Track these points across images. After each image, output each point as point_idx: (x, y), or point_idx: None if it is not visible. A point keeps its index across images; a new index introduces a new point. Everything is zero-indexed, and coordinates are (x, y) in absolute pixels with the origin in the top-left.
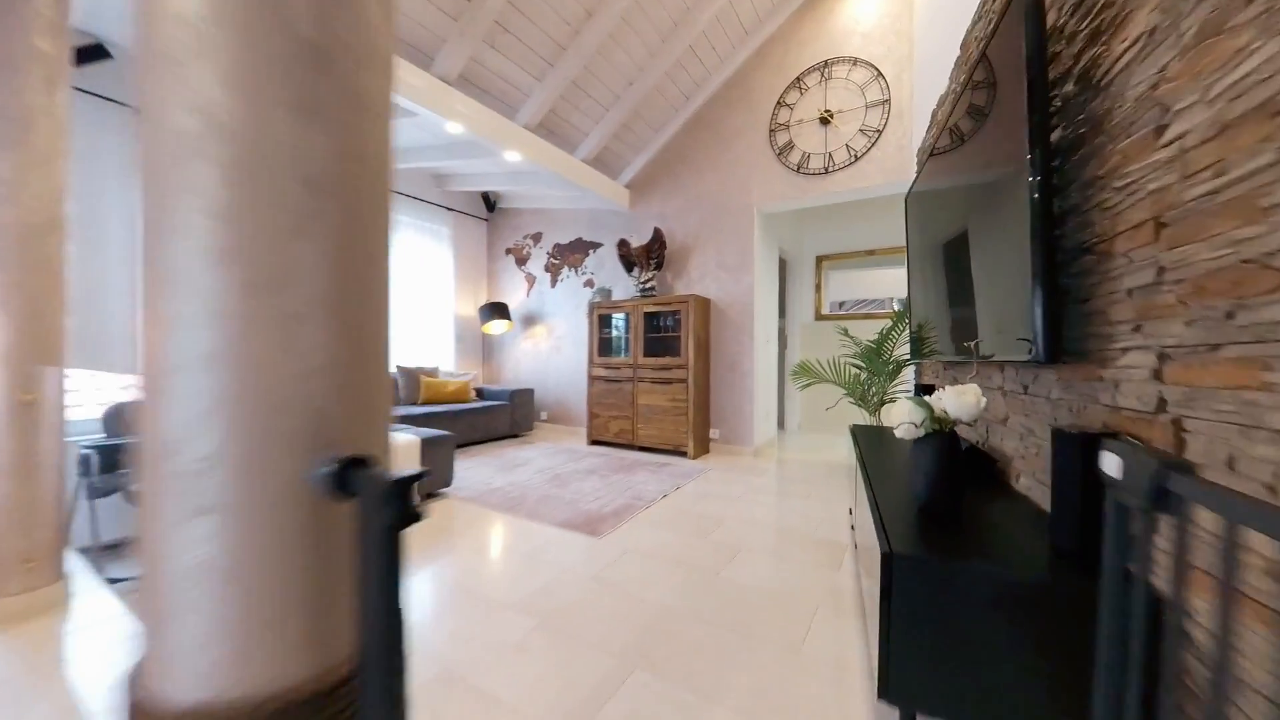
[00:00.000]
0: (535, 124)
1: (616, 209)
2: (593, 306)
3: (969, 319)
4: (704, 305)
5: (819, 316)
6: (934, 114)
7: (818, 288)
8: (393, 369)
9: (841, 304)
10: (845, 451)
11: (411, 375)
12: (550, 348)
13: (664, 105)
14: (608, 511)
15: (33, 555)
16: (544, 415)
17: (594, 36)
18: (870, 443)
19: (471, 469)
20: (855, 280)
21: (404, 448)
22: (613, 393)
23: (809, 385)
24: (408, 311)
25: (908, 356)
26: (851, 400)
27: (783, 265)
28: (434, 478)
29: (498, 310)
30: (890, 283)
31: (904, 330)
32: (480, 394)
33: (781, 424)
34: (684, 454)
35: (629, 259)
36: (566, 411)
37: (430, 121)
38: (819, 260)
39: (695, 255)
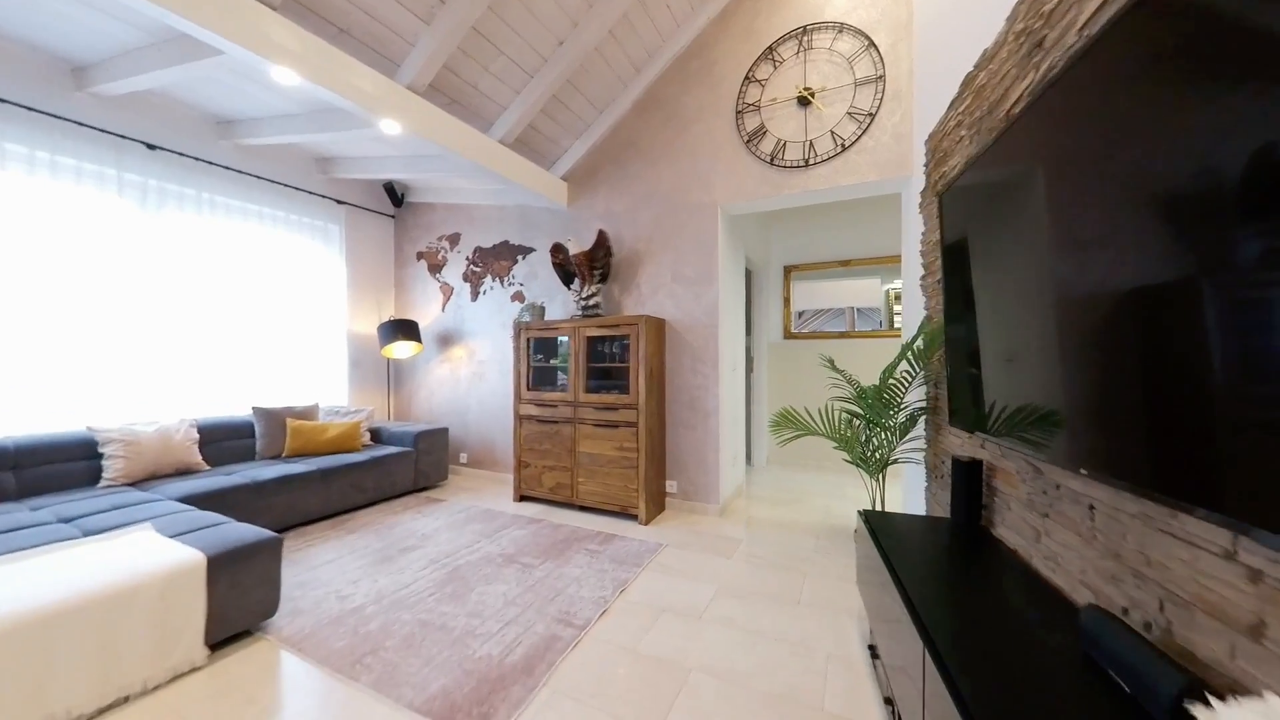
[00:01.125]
0: (425, 85)
1: (551, 206)
2: (520, 328)
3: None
4: (658, 328)
5: (788, 334)
6: (968, 79)
7: (786, 301)
8: (246, 411)
9: (800, 314)
10: (826, 500)
11: (273, 419)
12: (471, 374)
13: (608, 78)
14: (513, 662)
15: None
16: (464, 458)
17: None
18: (922, 567)
19: (331, 564)
20: (814, 289)
21: (166, 583)
22: (547, 436)
23: (793, 440)
24: (277, 331)
25: (921, 404)
26: (848, 459)
27: (748, 276)
28: (244, 609)
29: (403, 329)
30: (853, 292)
31: (920, 371)
32: (377, 437)
33: (749, 458)
34: (634, 517)
35: (566, 268)
36: (491, 453)
37: (250, 67)
38: (787, 271)
39: (647, 265)
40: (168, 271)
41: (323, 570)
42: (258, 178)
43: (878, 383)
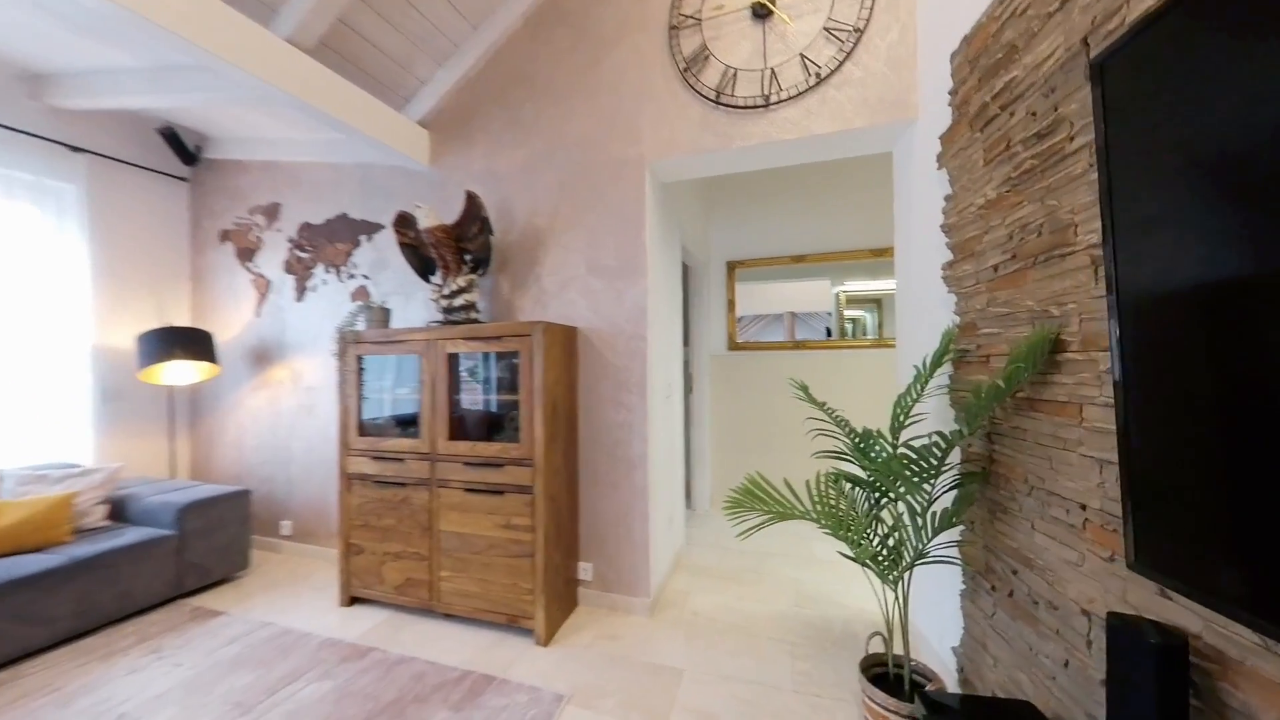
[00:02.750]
0: None
1: (407, 165)
2: (347, 340)
3: None
4: (565, 340)
5: (734, 345)
6: None
7: (731, 305)
8: None
9: (739, 319)
10: (791, 570)
11: None
12: (297, 406)
13: None
14: None
15: None
16: (286, 527)
17: None
18: None
19: None
20: (753, 292)
21: None
22: (390, 507)
23: (757, 529)
24: None
25: (958, 467)
26: (850, 555)
27: (685, 272)
28: None
29: (182, 342)
30: (797, 296)
31: (977, 417)
32: (118, 513)
33: (688, 499)
34: (528, 631)
35: (419, 251)
36: (324, 521)
37: None
38: (731, 267)
39: (552, 249)
40: None
41: None
42: None
43: (889, 434)
